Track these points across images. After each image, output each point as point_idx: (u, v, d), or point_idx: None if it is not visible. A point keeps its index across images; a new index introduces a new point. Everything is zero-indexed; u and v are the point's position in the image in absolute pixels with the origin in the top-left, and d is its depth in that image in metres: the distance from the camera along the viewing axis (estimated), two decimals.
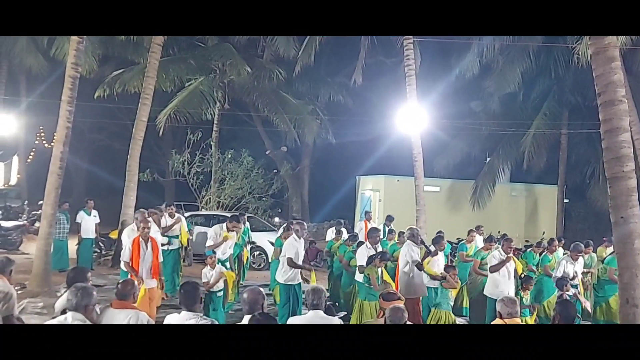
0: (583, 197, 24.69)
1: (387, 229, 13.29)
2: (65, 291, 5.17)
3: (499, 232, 20.25)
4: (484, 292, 9.46)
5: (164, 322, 5.05)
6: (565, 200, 24.21)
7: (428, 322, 8.73)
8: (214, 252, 9.50)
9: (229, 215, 17.31)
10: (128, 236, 9.09)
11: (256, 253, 16.27)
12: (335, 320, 5.43)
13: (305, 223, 9.89)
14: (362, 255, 9.45)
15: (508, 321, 5.41)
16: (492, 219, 21.75)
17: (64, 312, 4.54)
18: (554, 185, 23.81)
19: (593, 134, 18.26)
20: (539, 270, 11.12)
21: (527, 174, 24.27)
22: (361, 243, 10.52)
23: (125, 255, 8.54)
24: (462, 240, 16.59)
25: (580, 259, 10.55)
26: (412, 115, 15.38)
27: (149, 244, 8.56)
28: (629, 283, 6.91)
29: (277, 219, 24.42)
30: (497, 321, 5.50)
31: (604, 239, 12.23)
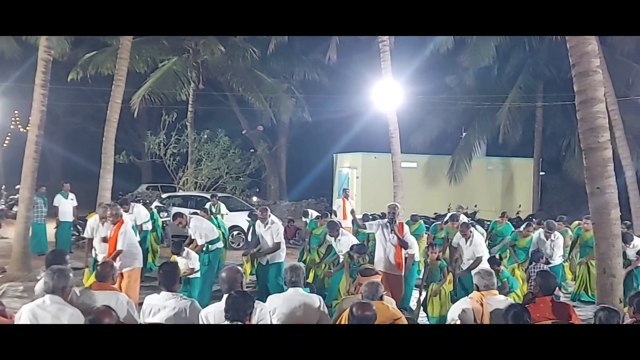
0: (559, 169, 24.98)
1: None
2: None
3: (475, 206, 20.51)
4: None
5: (144, 303, 5.04)
6: (541, 173, 24.48)
7: (428, 298, 8.76)
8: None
9: (207, 195, 17.32)
10: (91, 228, 9.03)
11: (235, 232, 16.25)
12: (315, 297, 5.43)
13: (267, 209, 9.88)
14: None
15: (485, 293, 5.44)
16: (469, 193, 21.96)
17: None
18: (530, 159, 24.04)
19: (568, 106, 18.46)
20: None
21: (503, 148, 24.46)
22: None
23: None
24: (438, 214, 16.78)
25: (560, 237, 10.58)
26: (387, 92, 15.36)
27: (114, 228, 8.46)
28: (606, 253, 7.02)
29: (255, 199, 24.39)
30: (475, 294, 5.53)
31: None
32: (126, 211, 11.94)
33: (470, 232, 9.35)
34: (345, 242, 9.61)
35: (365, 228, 9.61)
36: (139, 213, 12.30)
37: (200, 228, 9.68)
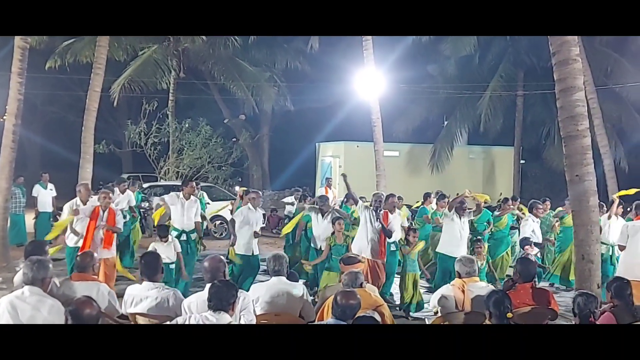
0: (539, 157, 25.22)
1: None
2: None
3: (457, 194, 20.60)
4: (437, 250, 9.54)
5: (126, 293, 5.02)
6: (522, 161, 24.68)
7: (404, 287, 8.80)
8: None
9: None
10: (68, 212, 8.89)
11: (217, 222, 16.21)
12: (298, 286, 5.45)
13: (260, 193, 9.78)
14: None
15: (467, 280, 5.51)
16: (450, 181, 22.03)
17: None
18: (511, 147, 24.20)
19: (548, 95, 18.58)
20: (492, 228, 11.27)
21: (484, 136, 24.61)
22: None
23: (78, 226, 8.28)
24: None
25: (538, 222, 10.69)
26: (370, 81, 15.35)
27: (106, 214, 8.38)
28: (584, 240, 7.12)
29: (237, 188, 24.27)
30: (456, 281, 5.59)
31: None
32: (123, 191, 11.92)
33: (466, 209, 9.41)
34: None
35: (355, 205, 9.52)
36: (130, 195, 12.22)
37: (197, 209, 9.59)
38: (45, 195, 14.28)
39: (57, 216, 15.05)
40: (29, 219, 14.37)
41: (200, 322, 4.08)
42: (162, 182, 19.42)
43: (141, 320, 4.83)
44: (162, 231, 8.55)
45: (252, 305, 4.84)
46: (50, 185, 14.49)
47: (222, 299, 4.11)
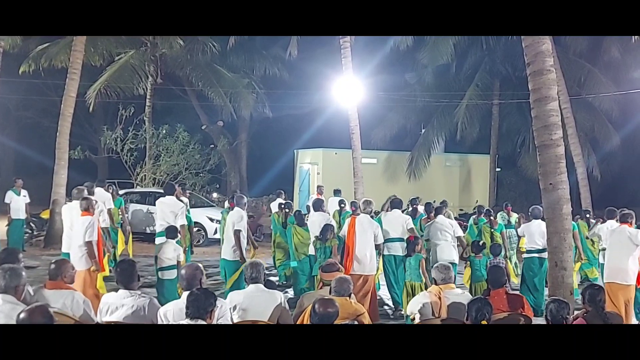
0: (514, 165, 25.51)
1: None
2: None
3: (434, 201, 20.74)
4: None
5: (101, 302, 4.97)
6: (497, 169, 24.95)
7: (404, 295, 8.72)
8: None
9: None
10: (70, 214, 8.71)
11: (195, 229, 16.09)
12: (276, 293, 5.43)
13: (244, 197, 9.84)
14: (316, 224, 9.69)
15: (443, 287, 5.56)
16: (427, 189, 22.20)
17: None
18: (486, 155, 24.45)
19: (523, 104, 18.83)
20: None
21: (461, 145, 24.82)
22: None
23: (91, 234, 7.90)
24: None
25: None
26: (348, 88, 15.42)
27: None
28: (558, 247, 7.22)
29: (215, 195, 24.18)
30: (433, 288, 5.66)
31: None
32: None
33: None
34: (316, 221, 9.65)
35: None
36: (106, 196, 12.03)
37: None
38: (18, 201, 14.04)
39: (31, 223, 14.92)
40: (2, 226, 14.15)
41: None
42: (139, 189, 19.26)
43: None
44: (170, 232, 8.61)
45: (229, 313, 4.82)
46: (24, 192, 14.26)
47: (199, 307, 4.07)
